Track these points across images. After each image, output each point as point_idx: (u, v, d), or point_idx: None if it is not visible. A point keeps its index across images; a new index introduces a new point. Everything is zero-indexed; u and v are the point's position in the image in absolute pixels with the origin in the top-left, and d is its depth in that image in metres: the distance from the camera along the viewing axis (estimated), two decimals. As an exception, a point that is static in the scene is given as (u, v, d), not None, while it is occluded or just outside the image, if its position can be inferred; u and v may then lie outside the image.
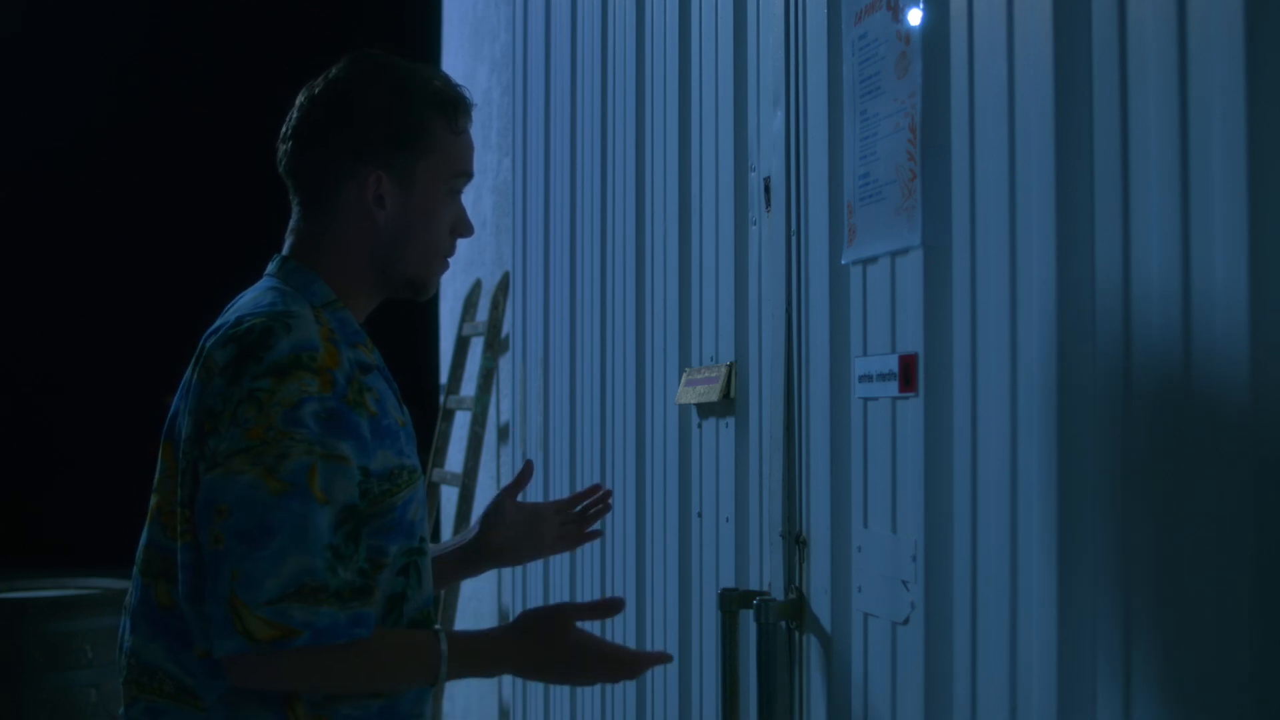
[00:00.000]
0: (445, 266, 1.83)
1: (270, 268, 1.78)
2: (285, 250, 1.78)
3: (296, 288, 1.71)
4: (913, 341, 1.70)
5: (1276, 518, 1.16)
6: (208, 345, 1.65)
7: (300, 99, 1.78)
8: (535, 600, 3.46)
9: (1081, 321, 1.40)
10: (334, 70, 1.78)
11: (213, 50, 14.18)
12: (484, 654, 1.73)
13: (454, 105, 1.77)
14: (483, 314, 4.94)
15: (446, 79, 1.81)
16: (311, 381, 1.58)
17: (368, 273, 1.76)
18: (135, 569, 1.71)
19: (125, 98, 14.21)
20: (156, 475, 1.70)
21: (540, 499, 3.44)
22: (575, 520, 2.09)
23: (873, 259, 1.81)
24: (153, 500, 1.70)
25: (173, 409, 1.70)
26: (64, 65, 14.04)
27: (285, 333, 1.60)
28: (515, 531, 2.03)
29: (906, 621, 1.70)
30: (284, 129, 1.78)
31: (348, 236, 1.74)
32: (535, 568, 3.47)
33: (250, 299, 1.71)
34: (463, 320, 5.09)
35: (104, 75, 13.77)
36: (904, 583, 1.71)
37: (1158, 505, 1.28)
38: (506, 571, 4.52)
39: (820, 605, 1.94)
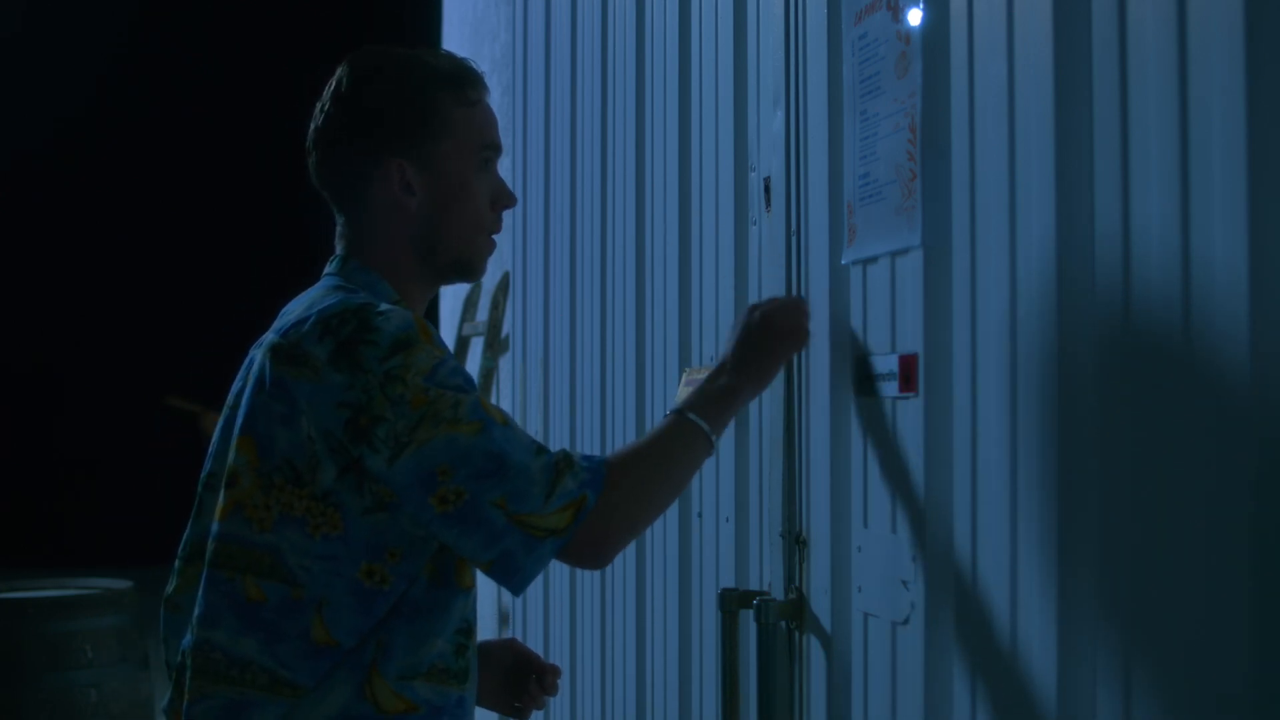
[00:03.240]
0: (492, 244, 1.86)
1: (329, 268, 1.81)
2: (340, 251, 1.82)
3: (362, 286, 1.75)
4: (913, 341, 1.70)
5: (1276, 519, 1.16)
6: (291, 341, 1.66)
7: (315, 109, 1.81)
8: (535, 602, 3.46)
9: (1081, 322, 1.40)
10: (337, 74, 1.81)
11: (213, 50, 14.19)
12: (720, 397, 1.81)
13: (460, 78, 1.80)
14: (483, 314, 4.94)
15: (450, 56, 1.83)
16: (431, 349, 1.64)
17: (415, 264, 1.80)
18: (205, 564, 1.69)
19: (126, 98, 14.22)
20: (228, 470, 1.69)
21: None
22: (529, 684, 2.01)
23: (873, 259, 1.81)
24: (224, 495, 1.69)
25: (246, 405, 1.70)
26: (63, 64, 14.04)
27: (383, 317, 1.65)
28: (496, 678, 2.00)
29: (906, 621, 1.70)
30: (307, 142, 1.82)
31: (388, 232, 1.78)
32: (535, 568, 3.47)
33: (318, 295, 1.74)
34: (463, 320, 5.09)
35: (103, 76, 13.77)
36: (904, 583, 1.71)
37: (1159, 505, 1.28)
38: (506, 571, 4.52)
39: (820, 605, 1.94)
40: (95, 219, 14.52)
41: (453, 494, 1.59)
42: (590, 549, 1.66)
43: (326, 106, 1.79)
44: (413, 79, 1.77)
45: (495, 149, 1.83)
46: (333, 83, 1.80)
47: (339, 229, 1.83)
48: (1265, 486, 1.16)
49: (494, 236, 1.86)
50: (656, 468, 1.73)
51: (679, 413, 1.78)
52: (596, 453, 2.07)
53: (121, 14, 13.71)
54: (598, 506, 1.63)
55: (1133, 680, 1.31)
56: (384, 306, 1.67)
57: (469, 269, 1.84)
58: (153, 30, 14.16)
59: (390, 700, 1.65)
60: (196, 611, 1.69)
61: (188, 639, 1.70)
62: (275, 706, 1.64)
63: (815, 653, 1.96)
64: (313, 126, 1.81)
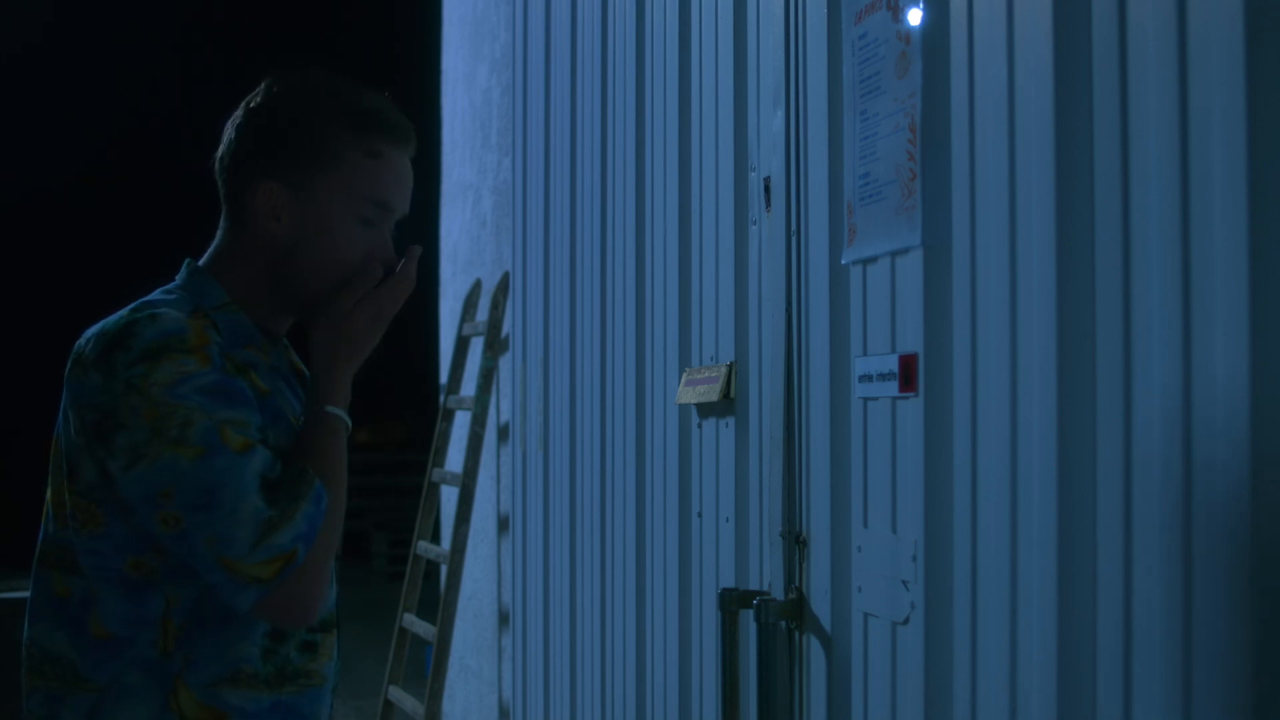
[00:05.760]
0: None
1: (180, 272, 1.80)
2: (208, 255, 1.79)
3: (190, 291, 1.73)
4: (913, 341, 1.70)
5: (1275, 517, 1.16)
6: (80, 342, 1.68)
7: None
8: (536, 600, 3.46)
9: (1081, 321, 1.40)
10: (258, 93, 1.78)
11: (211, 49, 14.18)
12: (334, 388, 1.73)
13: (375, 127, 1.73)
14: (483, 314, 4.94)
15: (385, 103, 1.76)
16: (188, 360, 1.61)
17: (269, 285, 1.76)
18: (34, 563, 1.73)
19: (122, 100, 14.22)
20: (50, 470, 1.72)
21: (540, 499, 3.44)
22: None
23: (873, 259, 1.81)
24: (47, 494, 1.72)
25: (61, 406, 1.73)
26: (77, 98, 14.08)
27: (150, 323, 1.62)
28: None
29: (906, 621, 1.70)
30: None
31: (250, 247, 1.75)
32: (535, 568, 3.47)
33: (144, 299, 1.74)
34: (463, 320, 5.09)
35: (100, 82, 13.78)
36: (904, 583, 1.71)
37: (1158, 504, 1.28)
38: (506, 570, 4.52)
39: (820, 605, 1.95)
40: (101, 228, 14.53)
41: (172, 518, 1.58)
42: (288, 606, 1.61)
43: (236, 123, 1.76)
44: (315, 106, 1.73)
45: (386, 209, 1.75)
46: (247, 104, 1.78)
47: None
48: (1266, 494, 1.16)
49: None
50: (341, 496, 1.69)
51: (331, 414, 1.71)
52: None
53: (118, 16, 13.72)
54: (306, 562, 1.60)
55: (1133, 680, 1.31)
56: (162, 312, 1.64)
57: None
58: (149, 30, 14.15)
59: (196, 710, 1.65)
60: (28, 609, 1.74)
61: (24, 635, 1.74)
62: (79, 701, 1.66)
63: (815, 653, 1.96)
64: (223, 139, 1.79)
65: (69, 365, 1.67)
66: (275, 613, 1.61)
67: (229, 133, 1.78)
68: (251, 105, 1.77)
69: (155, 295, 1.74)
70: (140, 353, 1.60)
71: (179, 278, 1.78)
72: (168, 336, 1.61)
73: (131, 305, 1.70)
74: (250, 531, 1.57)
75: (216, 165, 1.79)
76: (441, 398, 5.25)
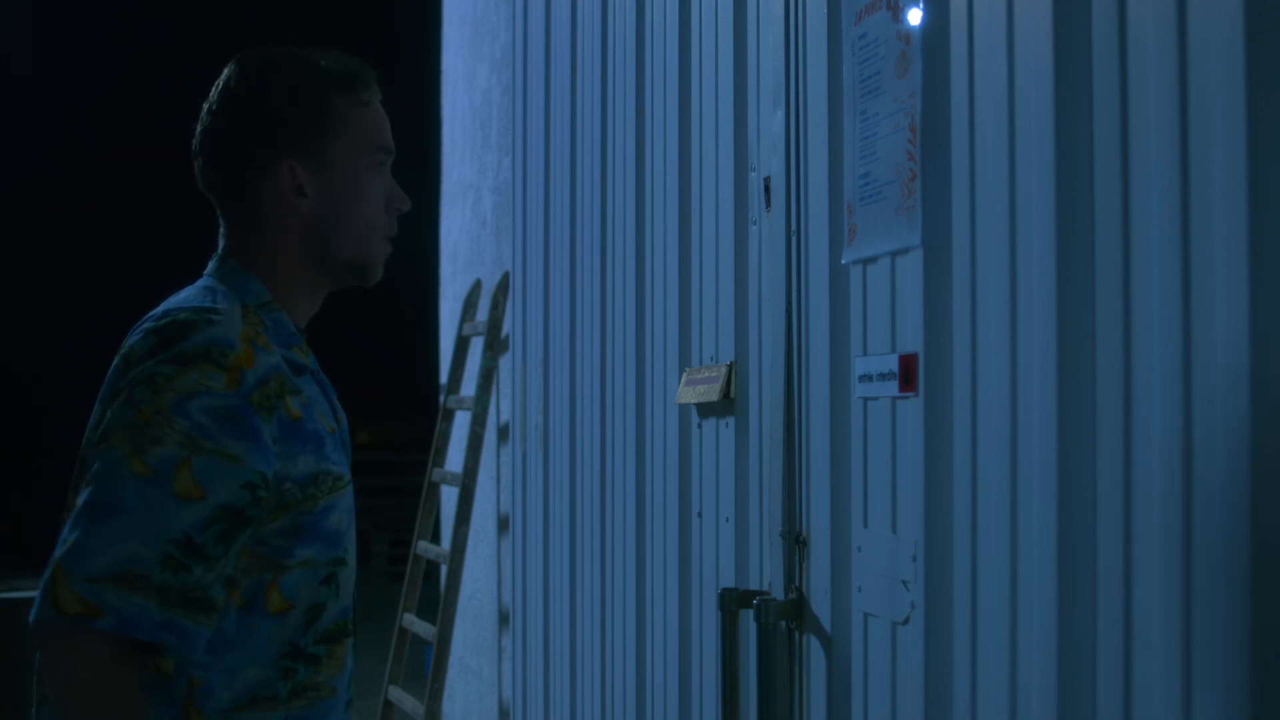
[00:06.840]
0: (388, 246, 1.81)
1: (209, 267, 1.77)
2: (221, 252, 1.77)
3: (233, 287, 1.70)
4: (913, 341, 1.70)
5: (1275, 517, 1.16)
6: (130, 338, 1.64)
7: (203, 110, 1.76)
8: (536, 600, 3.46)
9: (1081, 321, 1.40)
10: (226, 73, 1.76)
11: (212, 47, 14.20)
12: None
13: (352, 79, 1.75)
14: (483, 314, 4.94)
15: (342, 56, 1.79)
16: (216, 376, 1.56)
17: (304, 267, 1.75)
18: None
19: (120, 100, 14.22)
20: (75, 475, 1.67)
21: (540, 499, 3.44)
22: None
23: (873, 259, 1.81)
24: (69, 499, 1.66)
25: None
26: (67, 83, 14.08)
27: (206, 327, 1.59)
28: None
29: (906, 621, 1.70)
30: (193, 145, 1.77)
31: (277, 234, 1.73)
32: (535, 568, 3.47)
33: (182, 296, 1.70)
34: (463, 320, 5.09)
35: (96, 75, 13.78)
36: (904, 583, 1.71)
37: (1158, 504, 1.28)
38: (507, 571, 4.52)
39: (820, 605, 1.95)
40: (93, 231, 14.52)
41: (72, 504, 1.55)
42: (58, 655, 1.51)
43: (214, 106, 1.73)
44: (305, 79, 1.73)
45: (388, 151, 1.78)
46: (220, 82, 1.76)
47: (223, 229, 1.77)
48: (1266, 485, 1.16)
49: (390, 239, 1.81)
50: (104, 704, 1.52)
51: None
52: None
53: (113, 17, 13.72)
54: (98, 640, 1.49)
55: (1133, 680, 1.31)
56: (221, 317, 1.61)
57: (364, 272, 1.78)
58: (146, 30, 14.16)
59: None
60: None
61: None
62: None
63: (815, 653, 1.96)
64: (199, 128, 1.75)
65: (118, 361, 1.63)
66: (41, 641, 1.52)
67: (214, 127, 1.73)
68: (234, 92, 1.73)
69: (194, 293, 1.68)
70: (178, 353, 1.56)
71: (213, 273, 1.74)
72: (212, 345, 1.58)
73: (194, 300, 1.65)
74: (103, 565, 1.48)
75: (208, 166, 1.75)
76: (441, 398, 5.25)
